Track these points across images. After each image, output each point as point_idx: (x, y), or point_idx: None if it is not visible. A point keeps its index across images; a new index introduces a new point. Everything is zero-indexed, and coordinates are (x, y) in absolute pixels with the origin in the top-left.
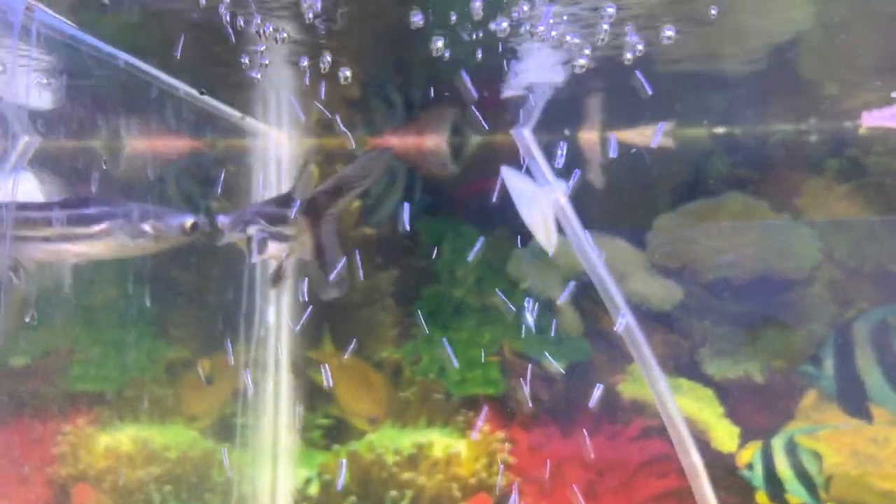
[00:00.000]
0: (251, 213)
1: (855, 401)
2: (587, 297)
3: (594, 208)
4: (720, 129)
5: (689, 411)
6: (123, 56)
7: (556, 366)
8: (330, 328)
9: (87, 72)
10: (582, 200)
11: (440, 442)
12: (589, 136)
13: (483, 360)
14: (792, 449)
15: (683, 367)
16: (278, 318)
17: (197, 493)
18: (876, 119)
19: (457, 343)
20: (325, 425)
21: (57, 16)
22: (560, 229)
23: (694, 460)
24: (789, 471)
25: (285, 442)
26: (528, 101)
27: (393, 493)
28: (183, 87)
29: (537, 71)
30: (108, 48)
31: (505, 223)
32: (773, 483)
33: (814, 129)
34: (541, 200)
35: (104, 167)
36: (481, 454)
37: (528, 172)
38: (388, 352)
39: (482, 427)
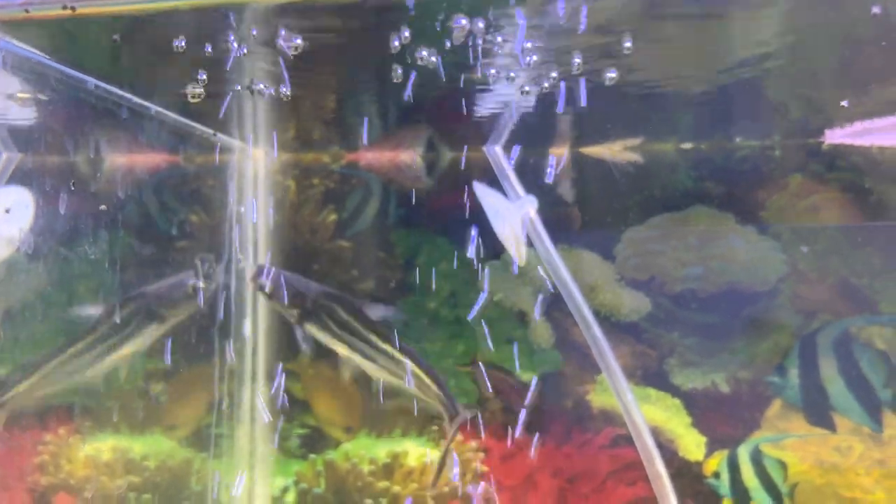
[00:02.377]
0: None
1: (819, 410)
2: (558, 308)
3: (565, 222)
4: (687, 145)
5: (658, 421)
6: (93, 80)
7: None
8: (306, 340)
9: (62, 91)
10: (553, 215)
11: (414, 451)
12: (560, 153)
13: (456, 370)
14: (757, 458)
15: (652, 377)
16: (255, 330)
17: (175, 501)
18: (838, 136)
19: (431, 354)
20: (302, 435)
21: (25, 47)
22: (530, 243)
23: (658, 469)
24: (755, 479)
25: (262, 451)
26: (500, 119)
27: (368, 501)
28: (155, 107)
29: (509, 90)
30: (79, 74)
31: (479, 236)
32: (739, 491)
33: (778, 145)
34: (511, 215)
35: (72, 188)
36: (454, 463)
37: (500, 188)
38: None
39: (455, 437)
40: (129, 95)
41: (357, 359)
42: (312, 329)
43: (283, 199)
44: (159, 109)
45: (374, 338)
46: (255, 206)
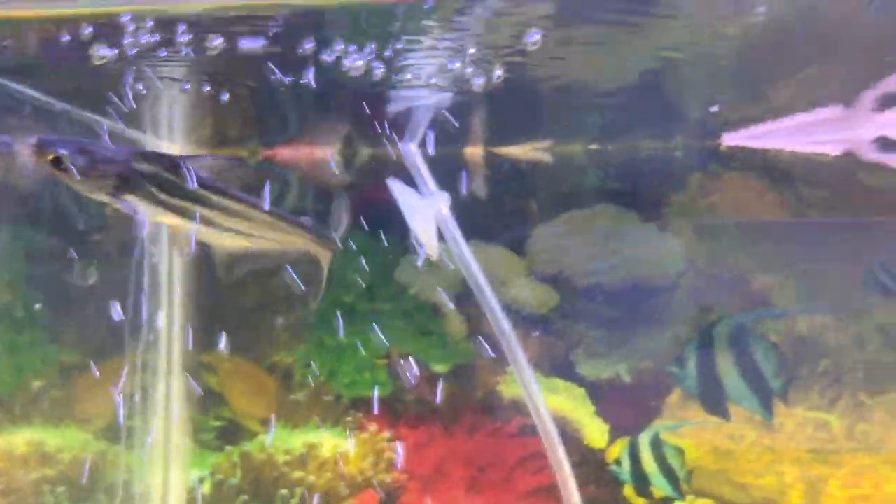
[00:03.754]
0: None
1: (715, 400)
2: (471, 301)
3: (479, 219)
4: (594, 146)
5: (564, 410)
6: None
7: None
8: (222, 333)
9: None
10: (467, 212)
11: (329, 442)
12: (474, 151)
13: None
14: (657, 445)
15: (559, 367)
16: (169, 322)
17: (90, 493)
18: (734, 139)
19: (347, 347)
20: (218, 427)
21: None
22: (443, 238)
23: (560, 456)
24: (654, 465)
25: (178, 443)
26: (414, 117)
27: (283, 491)
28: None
29: (424, 89)
30: None
31: (394, 232)
32: (639, 477)
33: (679, 146)
34: (425, 211)
35: None
36: (368, 453)
37: (414, 184)
38: (279, 356)
39: (369, 427)
40: (32, 91)
41: (197, 226)
42: (134, 199)
43: None
44: (65, 105)
45: (216, 197)
46: None
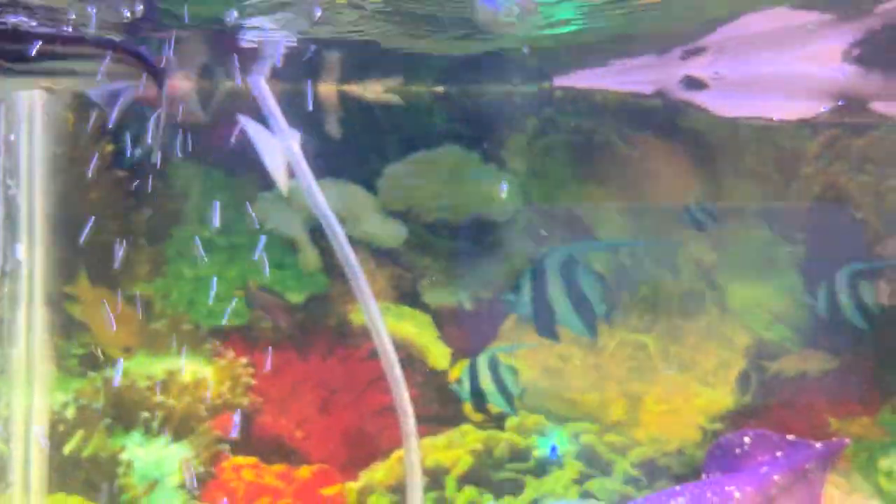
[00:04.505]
0: None
1: (546, 324)
2: (324, 236)
3: (333, 158)
4: (440, 88)
5: (410, 335)
6: None
7: None
8: (85, 264)
9: None
10: (321, 150)
11: (189, 368)
12: (326, 89)
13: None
14: (494, 365)
15: (406, 296)
16: (30, 253)
17: None
18: (564, 81)
19: (206, 279)
20: (81, 354)
21: None
22: (294, 175)
23: (396, 373)
24: (491, 384)
25: (41, 370)
26: (264, 52)
27: (145, 414)
28: None
29: (274, 24)
30: None
31: (250, 168)
32: (478, 395)
33: (518, 91)
34: (275, 148)
35: None
36: (226, 378)
37: (265, 121)
38: (140, 287)
39: (226, 354)
40: None
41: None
42: None
43: (60, 130)
44: None
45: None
46: (27, 135)
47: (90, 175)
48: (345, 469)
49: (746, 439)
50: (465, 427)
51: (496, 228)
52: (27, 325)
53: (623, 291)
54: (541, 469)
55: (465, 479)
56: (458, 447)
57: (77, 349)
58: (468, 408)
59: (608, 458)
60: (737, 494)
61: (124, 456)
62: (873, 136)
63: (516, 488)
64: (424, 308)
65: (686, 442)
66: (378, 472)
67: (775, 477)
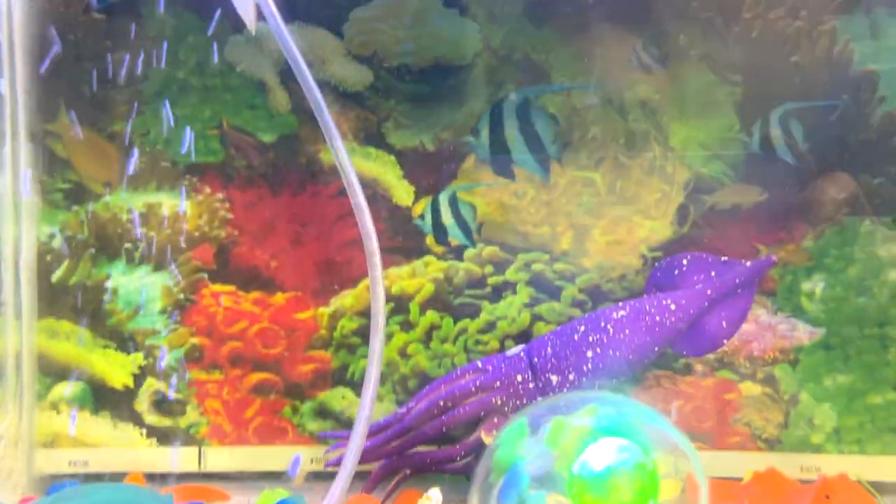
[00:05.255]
0: None
1: (502, 164)
2: (293, 78)
3: (300, 0)
4: None
5: (376, 174)
6: None
7: None
8: (65, 104)
9: None
10: None
11: (168, 202)
12: None
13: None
14: (454, 202)
15: (372, 137)
16: (12, 88)
17: None
18: None
19: (182, 118)
20: (65, 189)
21: None
22: (262, 17)
23: (360, 202)
24: (451, 219)
25: (27, 202)
26: None
27: (127, 245)
28: None
29: None
30: None
31: (223, 11)
32: (439, 229)
33: None
34: None
35: None
36: (204, 212)
37: None
38: (119, 125)
39: (203, 190)
40: None
41: None
42: None
43: None
44: None
45: None
46: None
47: (69, 16)
48: (317, 296)
49: (684, 261)
50: (428, 258)
51: (457, 72)
52: (12, 159)
53: (574, 132)
54: (496, 295)
55: (428, 305)
56: (420, 276)
57: (61, 184)
58: (430, 241)
59: (557, 284)
60: (672, 306)
61: (109, 284)
62: None
63: (473, 312)
64: (389, 149)
65: (628, 269)
66: (347, 299)
67: (708, 291)
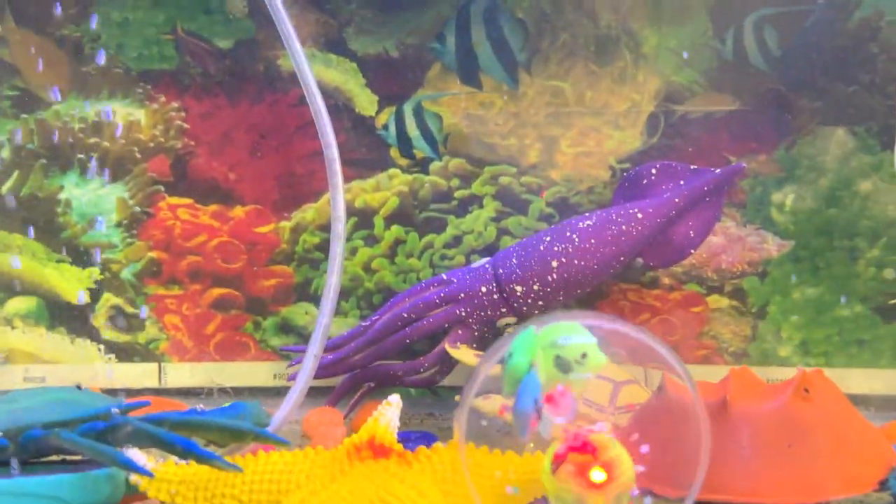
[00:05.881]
0: None
1: (469, 72)
2: None
3: None
4: None
5: (337, 83)
6: None
7: None
8: (10, 6)
9: None
10: None
11: (121, 111)
12: None
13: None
14: (419, 112)
15: (333, 43)
16: None
17: None
18: None
19: (134, 23)
20: (12, 96)
21: None
22: None
23: (320, 107)
24: (416, 130)
25: None
26: None
27: (80, 156)
28: None
29: None
30: None
31: None
32: (404, 140)
33: None
34: None
35: None
36: (159, 122)
37: None
38: (69, 30)
39: (158, 98)
40: None
41: None
42: None
43: None
44: None
45: None
46: None
47: None
48: (277, 209)
49: (653, 171)
50: (392, 171)
51: None
52: None
53: (543, 38)
54: (462, 209)
55: (392, 219)
56: (385, 189)
57: (8, 91)
58: (395, 152)
59: (525, 197)
60: (639, 215)
61: (62, 196)
62: None
63: (439, 226)
64: (351, 56)
65: (597, 181)
66: (309, 213)
67: (676, 199)
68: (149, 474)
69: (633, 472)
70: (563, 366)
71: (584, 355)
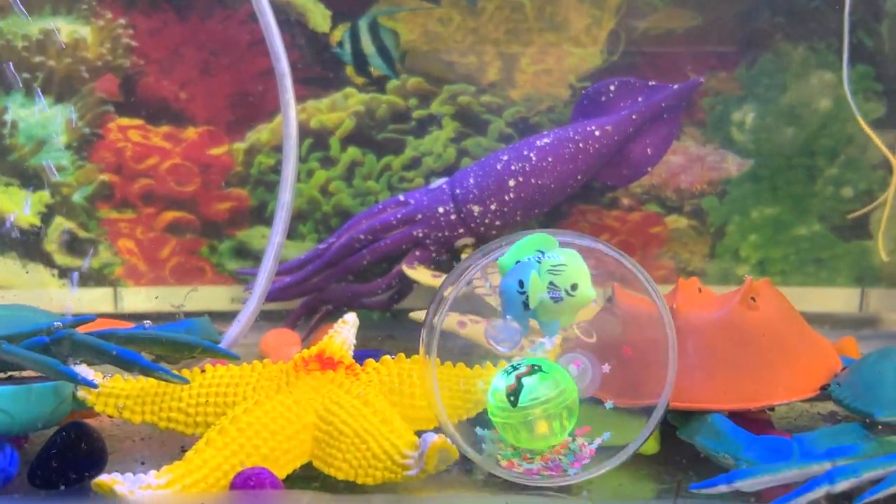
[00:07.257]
0: None
1: None
2: None
3: None
4: None
5: None
6: None
7: None
8: None
9: None
10: None
11: (66, 28)
12: None
13: None
14: (375, 28)
15: None
16: None
17: None
18: None
19: None
20: None
21: None
22: None
23: (276, 44)
24: (372, 47)
25: None
26: None
27: (25, 75)
28: None
29: None
30: None
31: None
32: (359, 58)
33: None
34: None
35: None
36: (106, 39)
37: None
38: None
39: (104, 15)
40: None
41: None
42: None
43: None
44: None
45: None
46: None
47: None
48: (231, 130)
49: (612, 87)
50: (348, 90)
51: None
52: None
53: None
54: (421, 129)
55: (349, 140)
56: (340, 109)
57: None
58: (350, 70)
59: (484, 117)
60: (597, 132)
61: (7, 117)
62: None
63: (397, 147)
64: None
65: (557, 100)
66: (263, 134)
67: (633, 116)
68: (91, 384)
69: (575, 391)
70: (554, 294)
71: (574, 286)
